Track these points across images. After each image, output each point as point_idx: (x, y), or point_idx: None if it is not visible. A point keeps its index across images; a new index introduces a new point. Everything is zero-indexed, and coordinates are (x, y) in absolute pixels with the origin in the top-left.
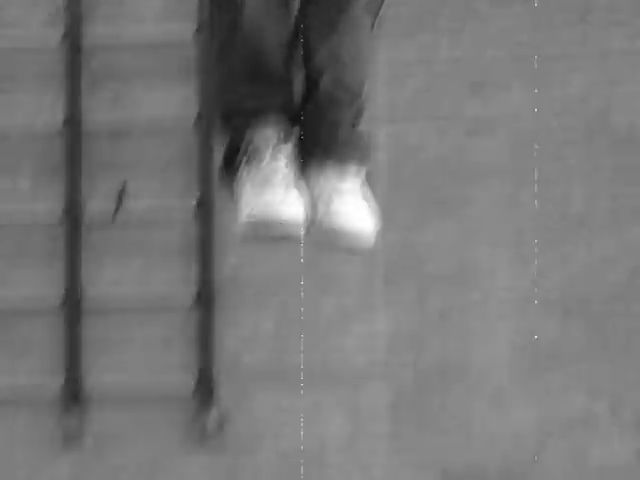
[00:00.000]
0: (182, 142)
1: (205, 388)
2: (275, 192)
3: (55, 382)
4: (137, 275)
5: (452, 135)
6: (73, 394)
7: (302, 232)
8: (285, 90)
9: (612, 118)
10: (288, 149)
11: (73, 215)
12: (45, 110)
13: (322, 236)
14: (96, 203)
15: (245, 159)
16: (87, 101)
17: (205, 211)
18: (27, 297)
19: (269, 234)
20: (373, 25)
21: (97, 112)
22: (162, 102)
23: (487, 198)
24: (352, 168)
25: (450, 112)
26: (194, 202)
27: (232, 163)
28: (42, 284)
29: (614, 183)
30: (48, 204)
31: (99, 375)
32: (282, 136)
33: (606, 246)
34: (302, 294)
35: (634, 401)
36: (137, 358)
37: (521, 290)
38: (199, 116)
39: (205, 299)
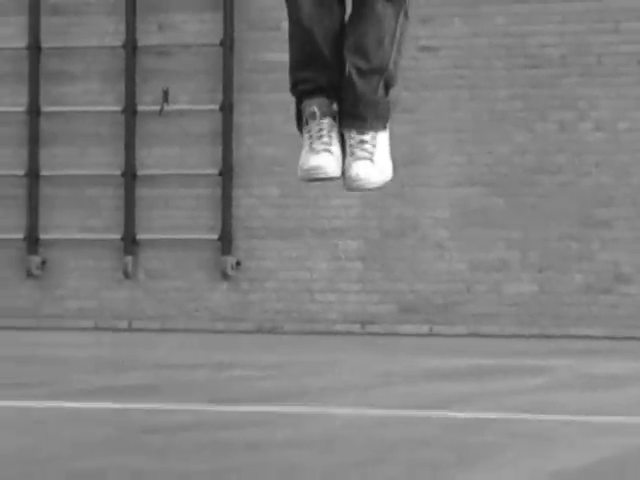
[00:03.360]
0: (210, 58)
1: (226, 236)
2: (318, 151)
3: (117, 231)
4: (177, 154)
5: (408, 52)
6: (130, 240)
7: (335, 178)
8: (332, 74)
9: (527, 41)
10: (332, 115)
11: (130, 110)
12: (109, 33)
13: (346, 180)
14: (147, 102)
15: (304, 121)
16: (141, 27)
17: (227, 108)
18: (97, 170)
19: (313, 181)
20: (399, 14)
21: (148, 35)
22: (195, 28)
23: (434, 100)
24: (371, 129)
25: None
26: (219, 102)
27: (300, 119)
28: (108, 161)
29: (528, 88)
30: (112, 102)
31: (149, 227)
32: (327, 106)
33: (521, 136)
34: None
35: (537, 252)
36: (177, 215)
37: (458, 169)
38: (223, 39)
39: (226, 172)
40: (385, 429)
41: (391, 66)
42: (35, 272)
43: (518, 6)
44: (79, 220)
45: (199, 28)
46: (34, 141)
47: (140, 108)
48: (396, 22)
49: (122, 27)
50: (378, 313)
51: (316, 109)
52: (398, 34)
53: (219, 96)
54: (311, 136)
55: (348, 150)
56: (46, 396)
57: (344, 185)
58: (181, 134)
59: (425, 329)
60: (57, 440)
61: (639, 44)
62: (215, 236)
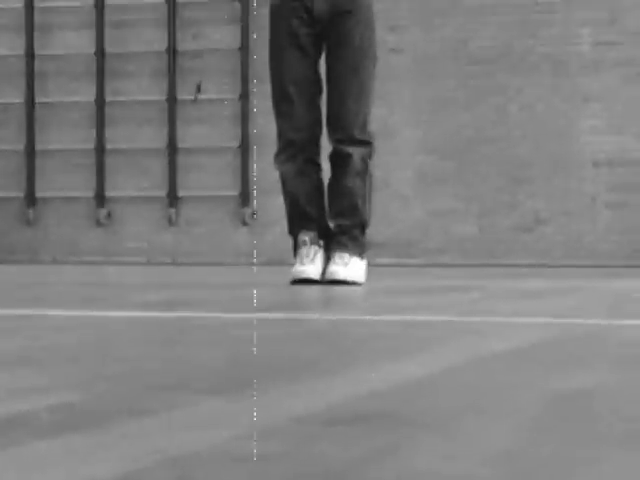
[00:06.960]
0: (231, 59)
1: (245, 193)
2: (304, 263)
3: (163, 190)
4: (207, 132)
5: (380, 53)
6: (173, 197)
7: (314, 280)
8: (319, 224)
9: (469, 44)
10: (318, 245)
11: (172, 99)
12: (156, 41)
13: (324, 277)
14: (185, 93)
15: (298, 248)
16: (179, 36)
17: (244, 97)
18: (148, 144)
19: (297, 282)
20: (365, 180)
21: (185, 43)
22: (220, 37)
23: (399, 89)
24: (351, 254)
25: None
26: (238, 92)
27: (296, 250)
28: (156, 137)
29: (469, 79)
30: (158, 93)
31: (187, 186)
32: (316, 239)
33: (465, 116)
34: None
35: (477, 202)
36: (208, 177)
37: (418, 141)
38: (241, 45)
39: (244, 145)
40: (358, 328)
41: (366, 218)
42: (103, 221)
43: (461, 18)
44: (135, 182)
45: (223, 37)
46: (100, 123)
47: (179, 97)
48: (364, 187)
49: (165, 36)
50: None
51: (307, 239)
52: (367, 194)
53: (238, 88)
54: (301, 255)
55: (330, 262)
56: (107, 308)
57: (323, 280)
58: (210, 117)
59: (393, 261)
60: (108, 337)
61: (551, 46)
62: (236, 193)
